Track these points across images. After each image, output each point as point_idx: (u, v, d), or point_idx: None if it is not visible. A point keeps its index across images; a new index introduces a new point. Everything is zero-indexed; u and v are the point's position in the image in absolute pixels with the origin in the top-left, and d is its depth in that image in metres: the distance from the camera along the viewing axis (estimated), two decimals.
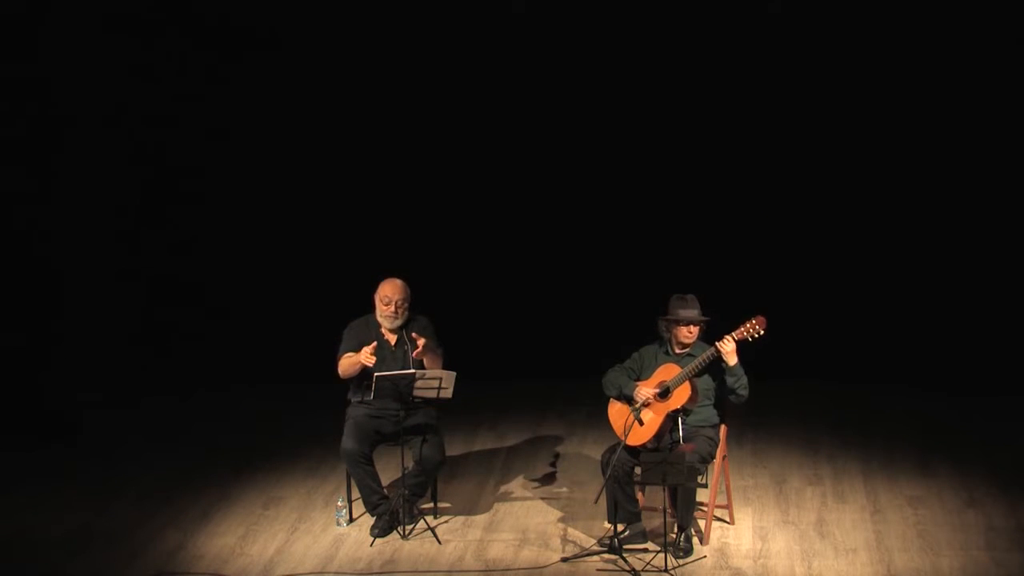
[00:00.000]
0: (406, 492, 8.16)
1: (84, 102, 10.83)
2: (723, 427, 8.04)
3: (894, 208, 10.74)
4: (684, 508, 7.81)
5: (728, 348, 7.73)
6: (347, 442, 8.17)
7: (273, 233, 11.29)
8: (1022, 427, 9.63)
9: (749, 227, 10.91)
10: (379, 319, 8.27)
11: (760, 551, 7.87)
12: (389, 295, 8.21)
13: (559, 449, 9.57)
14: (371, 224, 11.08)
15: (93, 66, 10.80)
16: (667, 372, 7.86)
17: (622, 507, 7.89)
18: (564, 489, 8.85)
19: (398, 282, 8.24)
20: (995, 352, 10.50)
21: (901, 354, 10.63)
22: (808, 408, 10.21)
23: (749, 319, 7.77)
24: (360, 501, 8.35)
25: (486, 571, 7.72)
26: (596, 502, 8.06)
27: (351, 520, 8.39)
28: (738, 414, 8.19)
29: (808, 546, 7.91)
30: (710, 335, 7.90)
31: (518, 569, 7.73)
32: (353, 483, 8.33)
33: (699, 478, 7.70)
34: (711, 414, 7.95)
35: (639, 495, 8.12)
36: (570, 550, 7.90)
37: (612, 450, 7.85)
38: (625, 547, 7.77)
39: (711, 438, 7.91)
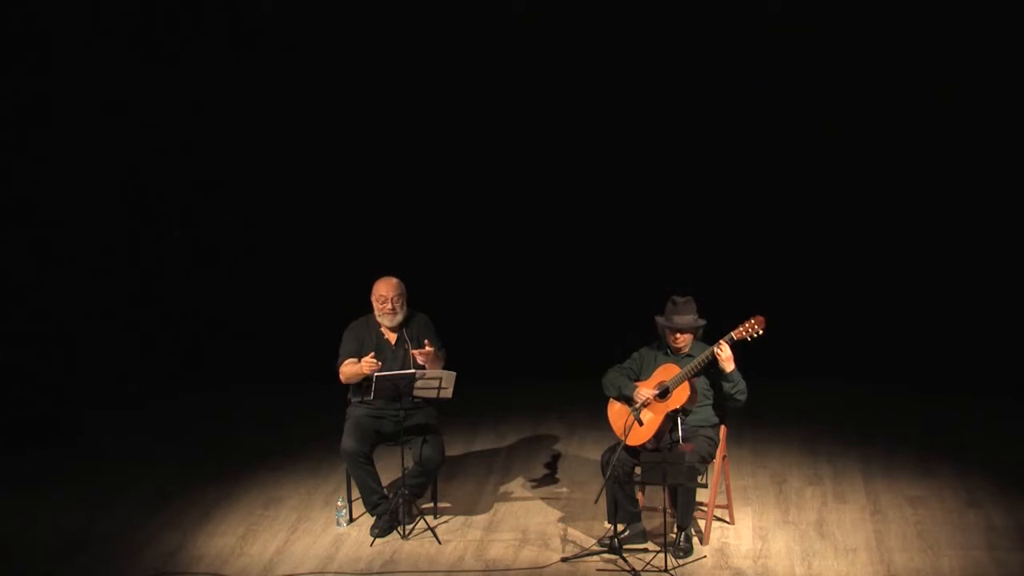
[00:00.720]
0: (406, 492, 8.16)
1: (83, 100, 10.83)
2: (723, 427, 8.04)
3: (894, 208, 10.74)
4: (684, 508, 7.81)
5: (725, 355, 7.72)
6: (347, 442, 8.17)
7: (273, 233, 11.29)
8: (1022, 427, 9.63)
9: (749, 227, 10.91)
10: (378, 318, 8.28)
11: (760, 551, 7.87)
12: (384, 293, 8.22)
13: (559, 449, 9.57)
14: (371, 224, 11.08)
15: (92, 65, 10.82)
16: (666, 372, 7.86)
17: (622, 507, 7.89)
18: (564, 489, 8.85)
19: (392, 280, 8.25)
20: (995, 352, 10.49)
21: (901, 354, 10.63)
22: (808, 408, 10.21)
23: (748, 319, 7.77)
24: (360, 501, 8.36)
25: (486, 571, 7.72)
26: (596, 502, 8.07)
27: (351, 520, 8.39)
28: (738, 414, 8.18)
29: (808, 546, 7.91)
30: (710, 335, 7.90)
31: (518, 569, 7.73)
32: (353, 483, 8.33)
33: (699, 478, 7.71)
34: (710, 414, 7.95)
35: (639, 495, 8.12)
36: (570, 550, 7.90)
37: (612, 450, 7.85)
38: (625, 547, 7.78)
39: (711, 438, 7.91)
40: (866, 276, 10.82)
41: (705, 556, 7.80)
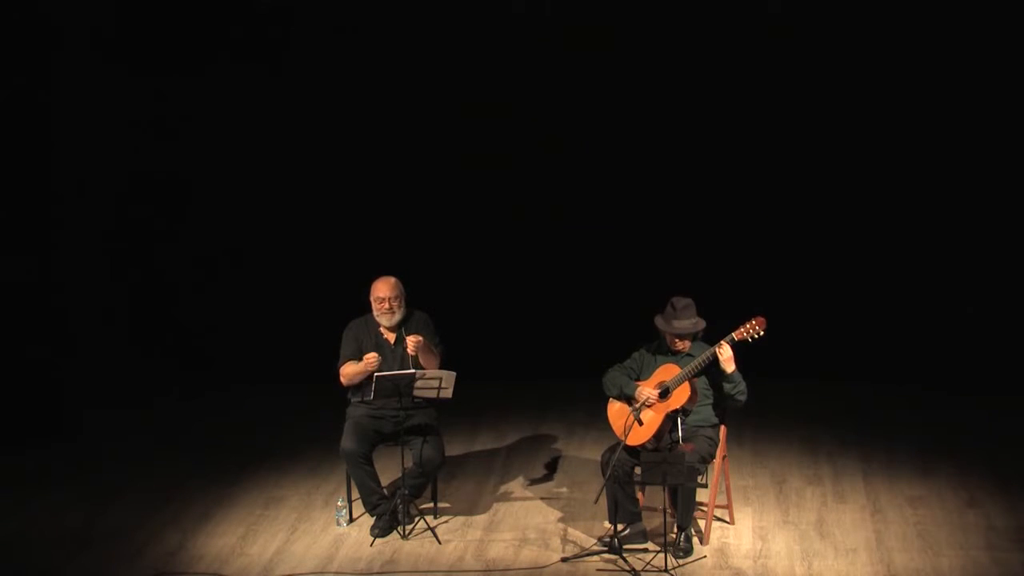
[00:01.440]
0: (406, 492, 8.16)
1: (83, 107, 10.84)
2: (723, 427, 8.04)
3: (894, 208, 10.73)
4: (684, 508, 7.81)
5: (726, 355, 7.72)
6: (347, 442, 8.17)
7: (273, 233, 11.29)
8: (1022, 427, 9.63)
9: (749, 228, 10.90)
10: (376, 318, 8.28)
11: (760, 551, 7.87)
12: (382, 294, 8.23)
13: (559, 449, 9.57)
14: (371, 224, 11.08)
15: (92, 67, 10.83)
16: (667, 372, 7.85)
17: (622, 507, 7.89)
18: (564, 489, 8.85)
19: (390, 279, 8.26)
20: (996, 351, 10.49)
21: (901, 353, 10.63)
22: (808, 408, 10.21)
23: (749, 320, 7.77)
24: (360, 501, 8.35)
25: (486, 571, 7.72)
26: (596, 502, 8.07)
27: (351, 520, 8.39)
28: (738, 414, 8.19)
29: (808, 546, 7.91)
30: (710, 335, 7.90)
31: (518, 569, 7.73)
32: (353, 483, 8.33)
33: (699, 478, 7.71)
34: (710, 414, 7.95)
35: (639, 495, 8.12)
36: (570, 550, 7.90)
37: (612, 450, 7.85)
38: (625, 547, 7.78)
39: (711, 438, 7.91)
40: (866, 276, 10.81)
41: (705, 556, 7.80)
